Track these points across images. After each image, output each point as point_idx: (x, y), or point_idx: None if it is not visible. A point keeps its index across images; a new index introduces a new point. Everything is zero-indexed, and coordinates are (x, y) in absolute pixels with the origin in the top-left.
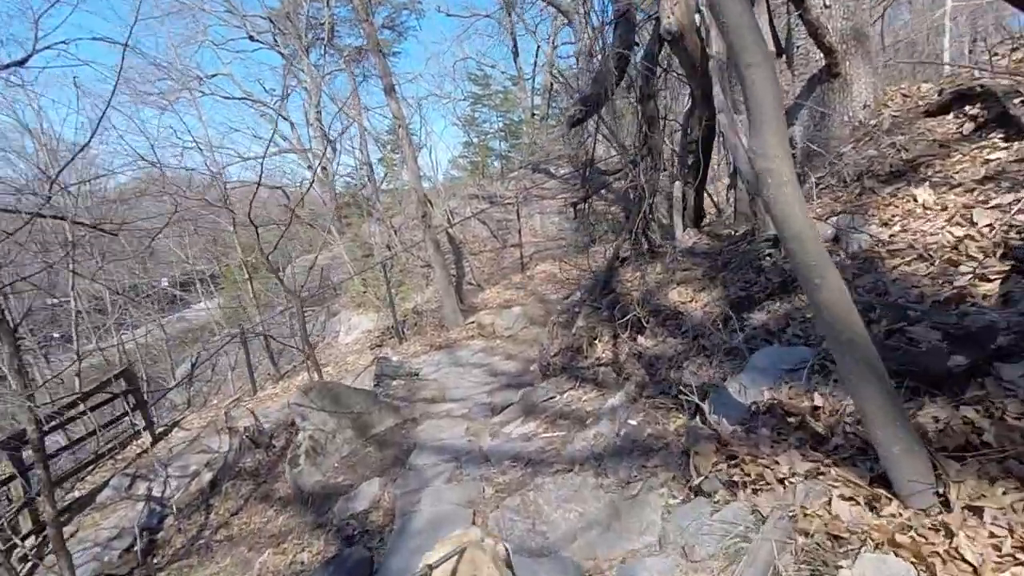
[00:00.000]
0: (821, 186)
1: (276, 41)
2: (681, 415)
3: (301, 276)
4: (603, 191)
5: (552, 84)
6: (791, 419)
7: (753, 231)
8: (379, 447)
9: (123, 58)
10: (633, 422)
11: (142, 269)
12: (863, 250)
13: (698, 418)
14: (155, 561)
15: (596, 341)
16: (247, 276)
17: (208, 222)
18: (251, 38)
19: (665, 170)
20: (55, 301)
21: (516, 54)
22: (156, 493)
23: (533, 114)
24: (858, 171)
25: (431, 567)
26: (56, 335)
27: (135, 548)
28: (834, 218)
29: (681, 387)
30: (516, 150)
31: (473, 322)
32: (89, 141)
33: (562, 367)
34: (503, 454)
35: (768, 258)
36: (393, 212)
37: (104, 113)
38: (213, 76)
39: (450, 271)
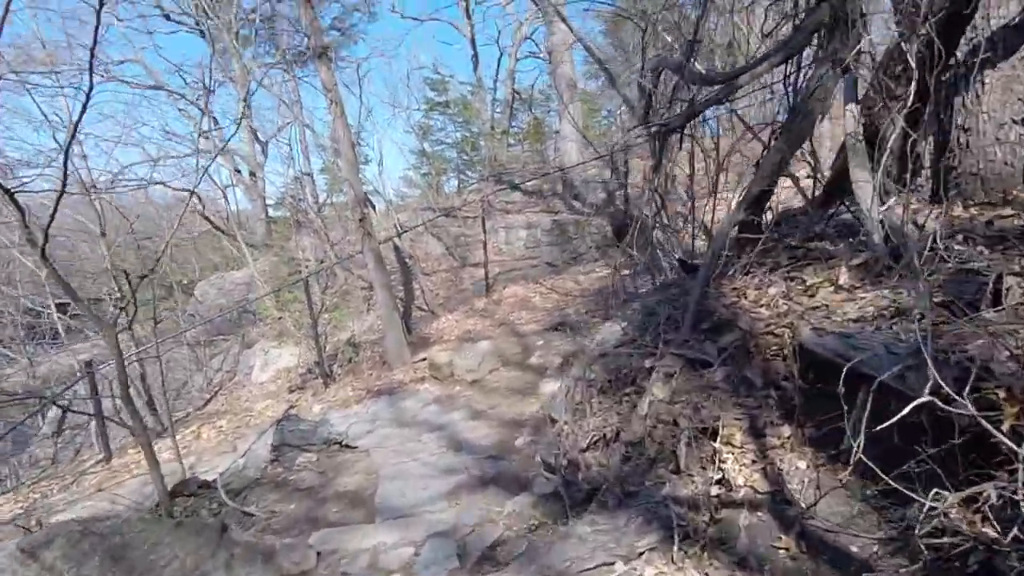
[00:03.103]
0: None
1: (200, 25)
2: None
3: (212, 295)
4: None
5: (513, 98)
6: None
7: None
8: None
9: None
10: None
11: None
12: None
13: None
14: None
15: (717, 442)
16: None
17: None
18: (167, 16)
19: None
20: None
21: (476, 63)
22: None
23: (492, 127)
24: None
25: None
26: None
27: None
28: None
29: None
30: (475, 167)
31: (424, 359)
32: None
33: (621, 490)
34: None
35: None
36: (331, 224)
37: None
38: (121, 63)
39: (396, 293)
